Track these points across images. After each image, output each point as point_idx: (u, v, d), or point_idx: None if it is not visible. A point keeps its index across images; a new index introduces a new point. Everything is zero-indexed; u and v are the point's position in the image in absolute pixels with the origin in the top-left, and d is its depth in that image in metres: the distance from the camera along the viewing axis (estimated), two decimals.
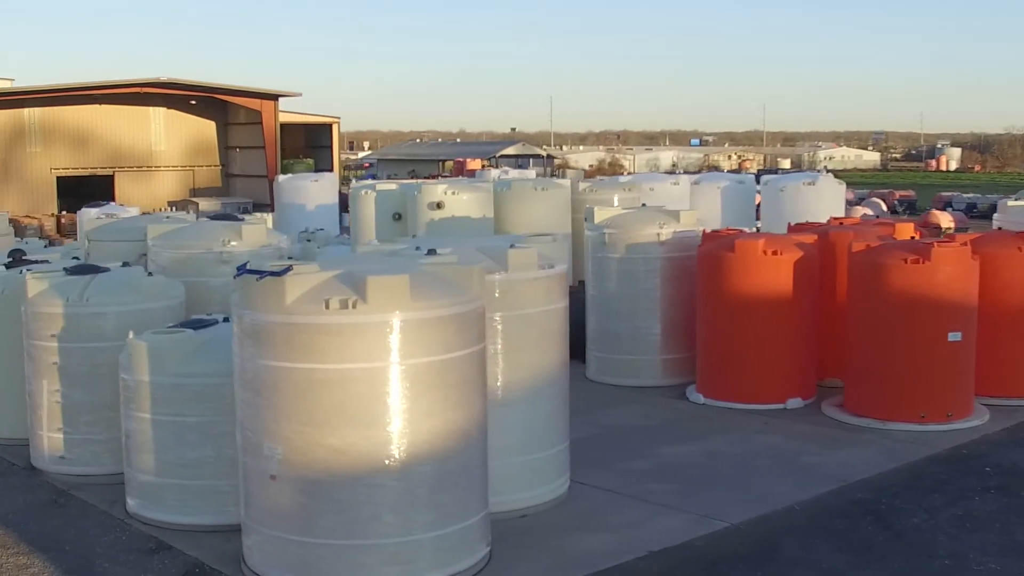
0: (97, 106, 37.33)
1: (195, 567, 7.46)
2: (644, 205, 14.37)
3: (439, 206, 15.81)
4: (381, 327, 6.65)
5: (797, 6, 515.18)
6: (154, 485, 8.27)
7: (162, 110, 38.99)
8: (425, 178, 35.06)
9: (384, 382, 6.70)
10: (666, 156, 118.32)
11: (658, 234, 12.95)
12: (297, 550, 6.89)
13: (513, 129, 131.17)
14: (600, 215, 13.30)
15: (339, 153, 48.59)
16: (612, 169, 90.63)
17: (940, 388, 10.93)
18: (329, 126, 45.93)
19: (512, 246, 8.30)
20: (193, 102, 39.22)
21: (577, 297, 14.29)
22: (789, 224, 14.42)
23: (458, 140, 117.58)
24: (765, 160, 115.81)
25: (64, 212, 34.55)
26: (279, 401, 6.80)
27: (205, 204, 33.98)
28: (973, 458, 9.86)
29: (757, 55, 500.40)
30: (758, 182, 22.35)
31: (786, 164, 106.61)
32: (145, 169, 38.88)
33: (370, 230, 17.33)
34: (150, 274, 9.75)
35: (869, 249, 11.26)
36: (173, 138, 39.50)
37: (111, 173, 37.95)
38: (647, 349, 13.19)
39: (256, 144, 39.28)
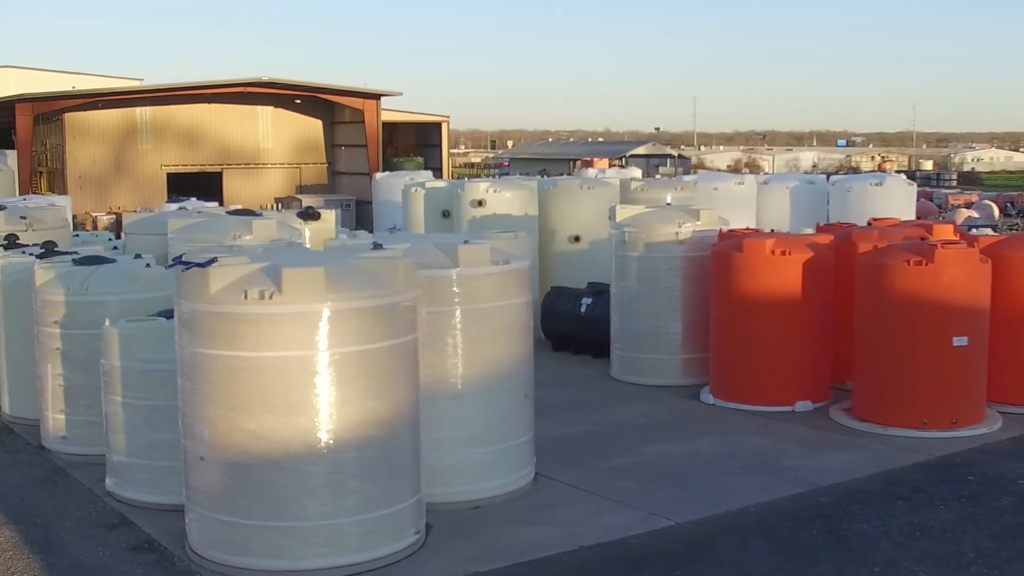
0: (206, 105, 38.70)
1: (145, 543, 7.85)
2: (669, 204, 14.29)
3: (481, 204, 16.05)
4: (297, 317, 6.90)
5: (952, 4, 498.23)
6: (126, 465, 8.72)
7: (269, 109, 40.15)
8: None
9: (300, 371, 6.95)
10: (807, 156, 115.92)
11: (677, 233, 12.89)
12: (223, 529, 7.21)
13: (657, 129, 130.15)
14: (621, 213, 13.30)
15: (448, 150, 49.13)
16: (749, 170, 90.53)
17: (944, 394, 10.61)
18: (439, 124, 46.52)
19: (466, 242, 8.45)
20: (298, 101, 40.27)
21: (603, 296, 14.40)
22: (818, 224, 14.16)
23: (589, 139, 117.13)
24: (910, 161, 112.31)
25: None
26: (206, 386, 7.12)
27: (309, 200, 34.90)
28: (962, 466, 9.56)
29: (910, 54, 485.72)
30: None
31: (928, 165, 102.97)
32: (253, 166, 40.09)
33: (419, 227, 17.72)
34: (147, 265, 10.21)
35: (875, 250, 11.02)
36: (280, 136, 40.62)
37: (220, 170, 39.29)
38: (667, 348, 13.14)
39: (361, 142, 40.09)
